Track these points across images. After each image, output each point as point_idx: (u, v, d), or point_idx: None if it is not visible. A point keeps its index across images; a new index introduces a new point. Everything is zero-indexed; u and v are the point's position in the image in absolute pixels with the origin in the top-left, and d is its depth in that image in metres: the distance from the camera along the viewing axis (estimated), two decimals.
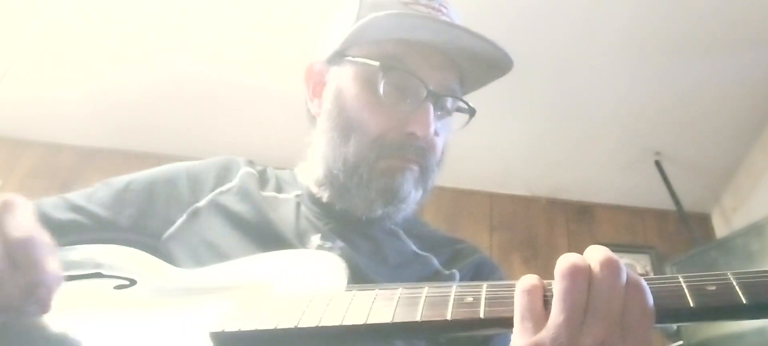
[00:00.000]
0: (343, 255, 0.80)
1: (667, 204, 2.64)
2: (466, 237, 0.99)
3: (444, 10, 0.84)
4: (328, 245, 0.83)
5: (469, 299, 0.54)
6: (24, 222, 0.55)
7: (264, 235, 0.82)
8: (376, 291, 0.58)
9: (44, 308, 0.55)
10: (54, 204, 0.86)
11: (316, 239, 0.84)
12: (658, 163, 2.62)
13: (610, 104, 2.45)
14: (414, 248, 0.89)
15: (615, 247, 2.72)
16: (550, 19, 2.14)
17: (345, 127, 0.83)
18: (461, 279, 0.86)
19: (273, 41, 2.33)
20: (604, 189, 2.83)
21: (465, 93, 0.88)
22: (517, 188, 2.87)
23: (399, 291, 0.57)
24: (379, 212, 0.84)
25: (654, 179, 2.62)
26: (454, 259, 0.89)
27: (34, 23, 2.34)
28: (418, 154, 0.81)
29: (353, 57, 0.84)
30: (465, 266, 0.88)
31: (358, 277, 0.72)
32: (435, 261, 0.88)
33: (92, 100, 2.66)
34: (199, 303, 0.65)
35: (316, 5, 2.17)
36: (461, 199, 2.73)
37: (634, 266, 2.69)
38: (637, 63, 2.27)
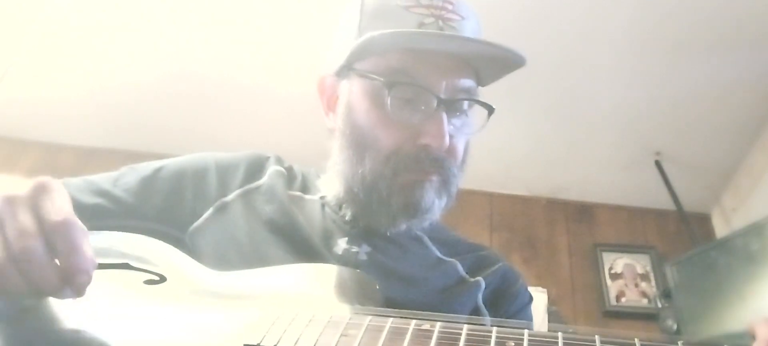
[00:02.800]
0: (370, 260, 0.80)
1: (667, 204, 2.64)
2: (466, 237, 0.98)
3: (449, 7, 0.80)
4: (355, 249, 0.82)
5: (511, 344, 0.53)
6: (62, 205, 0.54)
7: (290, 237, 0.81)
8: (413, 323, 0.56)
9: (80, 293, 0.54)
10: (78, 186, 0.85)
11: (342, 243, 0.83)
12: (658, 163, 2.62)
13: (610, 104, 2.45)
14: (438, 253, 0.88)
15: (615, 247, 2.72)
16: (550, 19, 2.14)
17: (359, 145, 0.80)
18: (486, 287, 0.86)
19: (273, 41, 2.33)
20: (604, 189, 2.83)
21: (484, 85, 0.84)
22: (517, 188, 2.87)
23: (437, 328, 0.56)
24: (403, 226, 0.83)
25: (654, 179, 2.62)
26: (478, 266, 0.88)
27: (34, 23, 2.35)
28: (436, 164, 0.78)
29: (359, 71, 0.81)
30: (489, 274, 0.87)
31: (386, 283, 0.72)
32: (459, 267, 0.87)
33: (92, 100, 2.66)
34: (230, 309, 0.64)
35: (317, 5, 2.17)
36: (461, 199, 2.70)
37: (634, 266, 2.69)
38: (637, 63, 2.27)
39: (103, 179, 0.88)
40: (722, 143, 2.54)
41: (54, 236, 0.52)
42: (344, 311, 0.62)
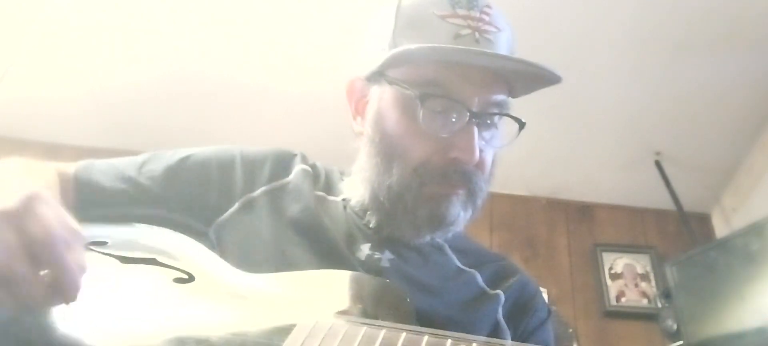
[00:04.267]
0: (392, 268, 0.80)
1: (667, 204, 2.63)
2: (485, 246, 0.98)
3: (486, 18, 0.79)
4: (378, 255, 0.81)
5: None
6: (48, 218, 0.54)
7: (315, 238, 0.81)
8: (449, 342, 0.56)
9: (70, 300, 0.55)
10: (102, 170, 0.86)
11: (365, 249, 0.82)
12: (658, 163, 2.62)
13: (610, 104, 2.45)
14: (458, 263, 0.87)
15: (615, 247, 2.72)
16: (550, 19, 2.14)
17: (387, 154, 0.79)
18: (506, 301, 0.85)
19: (273, 41, 2.33)
20: (604, 189, 2.83)
21: (516, 97, 0.84)
22: (517, 188, 2.87)
23: None
24: (427, 237, 0.83)
25: (654, 179, 2.62)
26: (498, 278, 0.88)
27: (34, 23, 2.34)
28: (464, 178, 0.78)
29: (391, 79, 0.80)
30: (508, 287, 0.87)
31: (409, 291, 0.72)
32: (479, 278, 0.86)
33: (92, 100, 2.66)
34: (262, 315, 0.64)
35: (317, 5, 2.17)
36: None
37: (634, 266, 2.69)
38: (637, 63, 2.27)
39: (127, 163, 0.88)
40: (722, 143, 2.54)
41: (39, 253, 0.53)
42: (378, 324, 0.61)
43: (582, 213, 2.87)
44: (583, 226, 2.83)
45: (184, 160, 0.88)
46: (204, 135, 2.64)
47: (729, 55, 2.19)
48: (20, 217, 0.54)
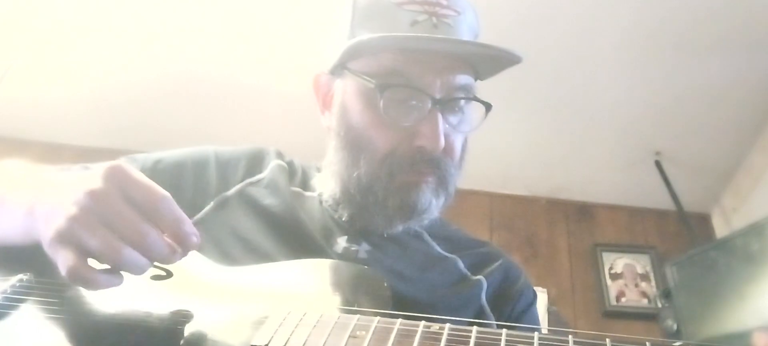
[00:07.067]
0: (370, 259, 0.80)
1: (667, 204, 2.63)
2: (468, 232, 0.97)
3: (443, 2, 0.78)
4: (355, 247, 0.82)
5: None
6: (145, 182, 0.56)
7: (292, 232, 0.81)
8: (422, 325, 0.56)
9: (194, 247, 0.58)
10: None
11: (342, 241, 0.82)
12: (658, 164, 2.62)
13: (610, 104, 2.44)
14: (439, 249, 0.87)
15: (615, 247, 2.72)
16: (550, 19, 2.14)
17: (354, 146, 0.79)
18: (488, 286, 0.85)
19: (273, 41, 2.33)
20: (604, 189, 2.83)
21: (483, 79, 0.82)
22: (517, 188, 2.87)
23: (446, 331, 0.55)
24: (400, 227, 0.83)
25: (654, 179, 2.62)
26: (480, 263, 0.88)
27: (34, 23, 2.34)
28: (432, 165, 0.77)
29: (352, 71, 0.80)
30: (490, 273, 0.87)
31: (388, 281, 0.72)
32: (461, 264, 0.86)
33: (92, 100, 2.66)
34: (237, 307, 0.64)
35: (317, 4, 2.17)
36: (461, 199, 2.69)
37: (634, 266, 2.69)
38: (637, 63, 2.27)
39: None
40: (722, 143, 2.54)
41: (154, 214, 0.55)
42: (352, 311, 0.61)
43: (582, 213, 2.87)
44: (583, 226, 2.83)
45: (158, 163, 0.88)
46: (204, 135, 2.64)
47: (729, 55, 2.19)
48: (122, 186, 0.55)
